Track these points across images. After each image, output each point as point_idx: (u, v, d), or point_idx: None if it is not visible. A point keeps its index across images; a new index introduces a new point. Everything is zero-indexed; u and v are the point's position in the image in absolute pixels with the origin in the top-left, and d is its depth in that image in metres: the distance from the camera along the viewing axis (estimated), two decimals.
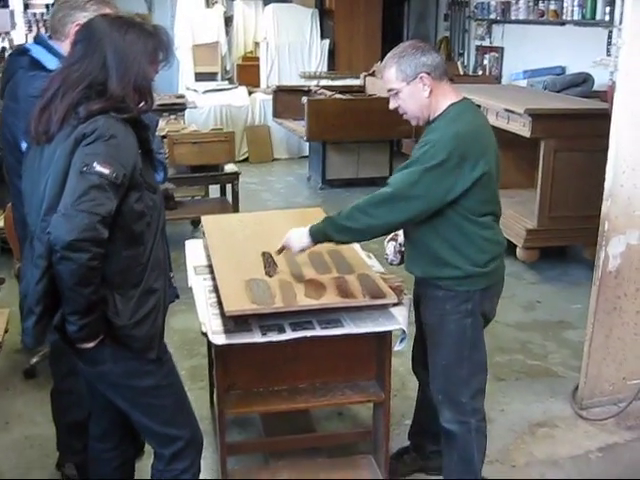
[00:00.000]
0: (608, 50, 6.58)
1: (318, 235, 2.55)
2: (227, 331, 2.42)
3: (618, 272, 3.52)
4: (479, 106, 4.83)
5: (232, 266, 2.77)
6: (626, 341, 3.63)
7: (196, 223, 6.09)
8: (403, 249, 2.74)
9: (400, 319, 2.52)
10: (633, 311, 3.60)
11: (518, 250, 5.30)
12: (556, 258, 5.69)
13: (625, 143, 3.29)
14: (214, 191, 6.25)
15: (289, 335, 2.42)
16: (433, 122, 2.52)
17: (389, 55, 2.56)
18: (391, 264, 2.85)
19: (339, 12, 9.89)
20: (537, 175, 5.15)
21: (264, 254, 2.81)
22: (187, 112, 8.34)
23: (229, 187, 5.31)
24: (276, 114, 8.72)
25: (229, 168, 4.82)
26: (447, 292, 2.55)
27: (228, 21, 10.12)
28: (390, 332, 2.52)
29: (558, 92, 6.45)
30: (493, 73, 8.90)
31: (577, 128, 4.93)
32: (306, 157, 8.94)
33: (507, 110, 5.12)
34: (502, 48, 8.79)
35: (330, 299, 2.44)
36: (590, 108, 5.14)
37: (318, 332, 2.43)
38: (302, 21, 9.88)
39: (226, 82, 9.89)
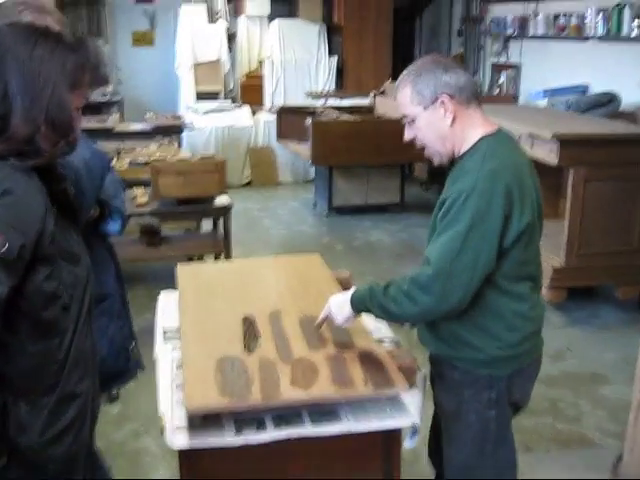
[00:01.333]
0: None
1: (360, 305, 2.05)
2: (192, 427, 1.90)
3: None
4: None
5: (204, 335, 2.25)
6: None
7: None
8: None
9: (412, 409, 1.99)
10: None
11: (543, 290, 4.76)
12: (584, 298, 5.15)
13: None
14: (208, 222, 5.74)
15: (271, 433, 1.89)
16: (460, 160, 2.01)
17: (404, 72, 2.05)
18: (402, 325, 2.34)
19: (348, 28, 9.39)
20: (565, 206, 4.61)
21: (245, 320, 2.30)
22: (187, 134, 7.89)
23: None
24: (280, 135, 8.23)
25: (220, 201, 4.32)
26: (465, 375, 2.04)
27: (231, 38, 9.66)
28: (400, 429, 1.99)
29: (583, 112, 5.96)
30: (510, 92, 8.39)
31: (610, 155, 4.40)
32: (313, 181, 8.44)
33: (531, 135, 4.59)
34: (519, 65, 8.28)
35: (322, 389, 1.91)
36: (626, 133, 4.60)
37: (308, 430, 1.91)
38: (309, 37, 9.43)
39: (229, 101, 9.43)
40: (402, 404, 2.00)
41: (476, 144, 1.98)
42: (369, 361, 2.05)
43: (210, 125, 8.67)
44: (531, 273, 2.02)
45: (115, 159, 4.99)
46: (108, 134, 6.35)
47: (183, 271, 2.85)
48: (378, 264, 6.15)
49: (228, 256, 4.39)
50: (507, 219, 1.89)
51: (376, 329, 2.48)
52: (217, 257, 4.64)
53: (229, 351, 2.12)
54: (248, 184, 9.12)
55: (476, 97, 2.02)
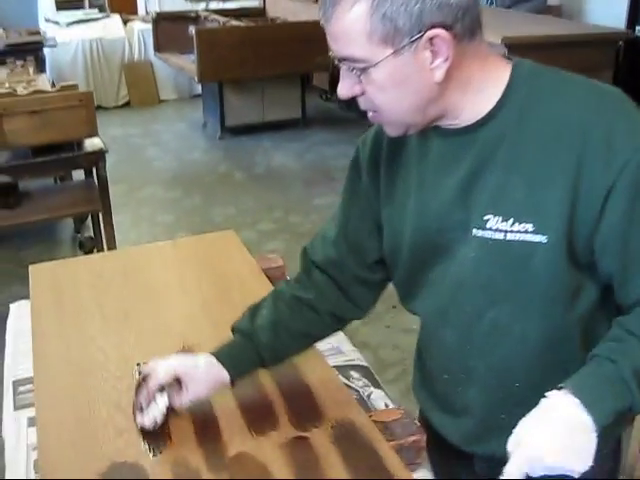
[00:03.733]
0: None
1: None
2: None
3: None
4: None
5: (74, 413, 1.40)
6: None
7: (79, 221, 4.54)
8: None
9: None
10: None
11: None
12: None
13: None
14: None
15: None
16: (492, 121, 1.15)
17: None
18: None
19: None
20: None
21: (139, 371, 1.45)
22: (49, 53, 6.66)
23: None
24: (158, 48, 7.10)
25: (91, 144, 3.34)
26: None
27: None
28: None
29: (508, 8, 5.23)
30: None
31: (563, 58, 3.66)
32: (200, 96, 7.40)
33: None
34: None
35: None
36: (585, 33, 3.85)
37: None
38: None
39: (95, 10, 8.16)
40: None
41: (530, 84, 1.13)
42: (352, 448, 1.25)
43: (76, 39, 7.48)
44: None
45: None
46: None
47: (37, 275, 1.94)
48: (287, 194, 5.33)
49: (106, 214, 3.45)
50: None
51: (331, 350, 1.70)
52: (93, 216, 3.68)
53: (116, 453, 1.27)
54: (126, 104, 8.00)
55: (479, 19, 1.15)
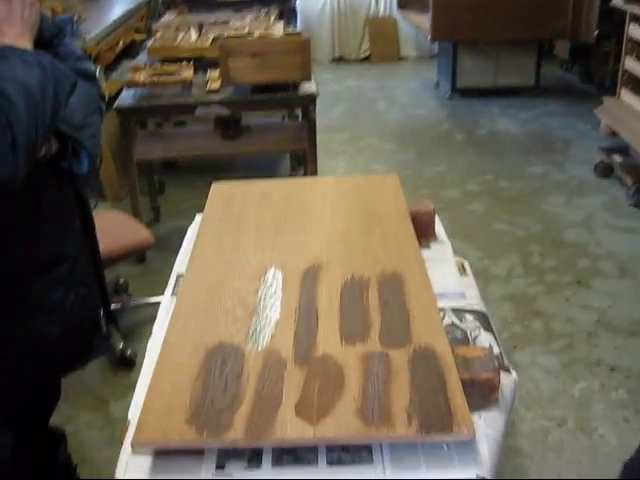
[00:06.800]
0: None
1: None
2: (157, 454, 1.32)
3: None
4: None
5: (205, 299, 1.64)
6: None
7: (296, 161, 4.94)
8: None
9: (481, 450, 1.31)
10: None
11: None
12: None
13: None
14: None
15: (265, 475, 1.28)
16: None
17: None
18: None
19: None
20: None
21: (267, 280, 1.65)
22: (300, 3, 7.07)
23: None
24: (401, 5, 7.25)
25: (305, 89, 3.60)
26: None
27: None
28: None
29: None
30: None
31: None
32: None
33: None
34: None
35: (339, 426, 1.25)
36: None
37: (321, 475, 1.28)
38: None
39: None
40: (468, 442, 1.32)
41: None
42: (425, 373, 1.37)
43: None
44: None
45: (196, 34, 4.32)
46: (202, 3, 5.65)
47: (217, 192, 2.22)
48: (502, 159, 5.30)
49: (312, 155, 3.71)
50: None
51: (454, 294, 1.80)
52: (301, 158, 3.96)
53: (227, 335, 1.50)
54: (366, 59, 8.28)
55: None
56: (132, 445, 1.26)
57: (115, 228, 3.26)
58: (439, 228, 2.17)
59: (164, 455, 1.32)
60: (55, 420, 2.66)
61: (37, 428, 2.04)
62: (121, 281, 3.68)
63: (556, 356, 3.04)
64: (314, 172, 3.79)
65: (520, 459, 2.46)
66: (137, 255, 3.75)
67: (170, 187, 4.90)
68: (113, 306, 3.48)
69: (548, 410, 2.72)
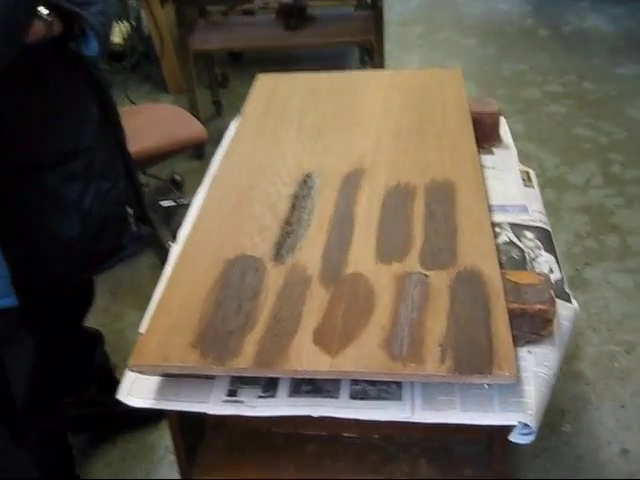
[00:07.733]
0: None
1: None
2: (166, 373, 1.20)
3: None
4: None
5: (233, 202, 1.48)
6: None
7: (365, 52, 4.59)
8: None
9: (527, 392, 1.14)
10: None
11: None
12: None
13: None
14: None
15: (280, 405, 1.15)
16: None
17: None
18: None
19: None
20: None
21: (302, 185, 1.48)
22: None
23: None
24: None
25: None
26: None
27: None
28: (505, 427, 1.15)
29: None
30: None
31: None
32: None
33: None
34: None
35: (361, 359, 1.08)
36: None
37: (341, 408, 1.13)
38: None
39: None
40: (513, 384, 1.14)
41: None
42: (467, 298, 1.18)
43: None
44: None
45: None
46: None
47: (261, 84, 2.03)
48: (588, 58, 4.89)
49: (378, 46, 3.44)
50: None
51: (515, 208, 1.59)
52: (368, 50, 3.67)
53: (250, 246, 1.34)
54: None
55: None
56: (129, 369, 1.13)
57: (167, 122, 3.13)
58: (505, 131, 1.93)
59: (173, 377, 1.19)
60: (101, 319, 2.61)
61: (69, 331, 1.96)
62: (177, 178, 3.57)
63: (630, 275, 2.80)
64: (381, 65, 3.53)
65: (581, 386, 2.28)
66: (192, 150, 3.61)
67: (234, 80, 4.71)
68: (166, 203, 3.42)
69: (617, 334, 2.51)
